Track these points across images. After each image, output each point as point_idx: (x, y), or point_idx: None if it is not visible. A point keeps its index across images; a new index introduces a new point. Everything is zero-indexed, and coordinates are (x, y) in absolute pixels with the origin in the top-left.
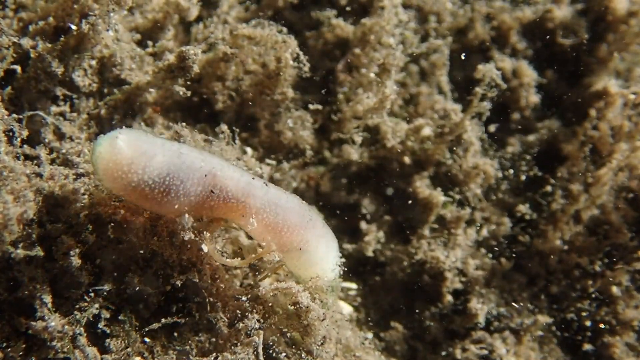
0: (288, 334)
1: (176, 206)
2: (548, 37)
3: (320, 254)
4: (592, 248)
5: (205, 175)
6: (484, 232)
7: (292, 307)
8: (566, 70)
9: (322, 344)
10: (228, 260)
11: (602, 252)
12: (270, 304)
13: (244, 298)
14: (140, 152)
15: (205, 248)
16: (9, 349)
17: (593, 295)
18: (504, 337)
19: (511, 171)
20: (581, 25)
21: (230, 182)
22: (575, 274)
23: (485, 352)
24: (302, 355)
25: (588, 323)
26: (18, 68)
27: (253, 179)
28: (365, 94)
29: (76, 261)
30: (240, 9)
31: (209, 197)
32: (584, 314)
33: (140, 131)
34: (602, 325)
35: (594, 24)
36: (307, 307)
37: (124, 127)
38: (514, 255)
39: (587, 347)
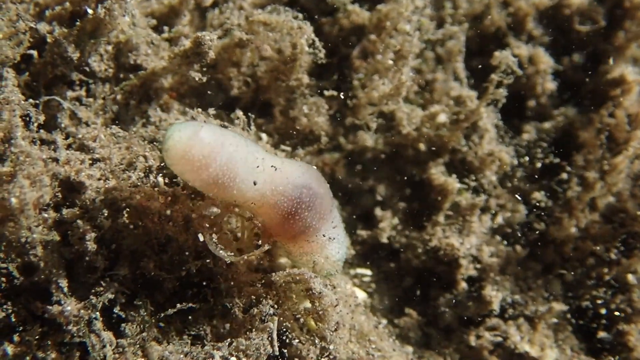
0: (301, 320)
1: (234, 192)
2: (565, 23)
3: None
4: (607, 236)
5: (257, 167)
6: (499, 219)
7: (305, 294)
8: (583, 57)
9: (335, 329)
10: (222, 252)
11: (617, 239)
12: (284, 290)
13: (258, 284)
14: (216, 140)
15: (201, 237)
16: (26, 333)
17: (608, 283)
18: (519, 324)
19: (527, 158)
20: (598, 12)
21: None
22: (591, 262)
23: (499, 339)
24: (316, 341)
25: (603, 311)
26: (35, 53)
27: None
28: (381, 80)
29: (92, 246)
30: None
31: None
32: (599, 301)
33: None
34: (617, 313)
35: (611, 10)
36: (320, 292)
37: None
38: (529, 242)
39: (602, 334)
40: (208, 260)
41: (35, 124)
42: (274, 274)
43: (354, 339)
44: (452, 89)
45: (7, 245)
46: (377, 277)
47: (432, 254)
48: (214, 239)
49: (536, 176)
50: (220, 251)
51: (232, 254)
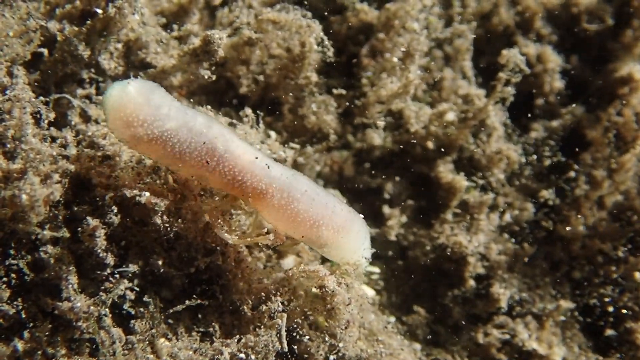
0: (311, 317)
1: (180, 165)
2: (573, 22)
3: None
4: (615, 234)
5: (204, 143)
6: (507, 217)
7: (318, 290)
8: (591, 55)
9: (345, 327)
10: (226, 235)
11: (625, 238)
12: (294, 287)
13: (267, 280)
14: (147, 100)
15: (207, 217)
16: (36, 329)
17: (616, 281)
18: (526, 322)
19: (535, 156)
20: (606, 11)
21: (231, 157)
22: (599, 260)
23: (507, 336)
24: (326, 338)
25: (611, 309)
26: (45, 51)
27: (266, 164)
28: (389, 78)
29: (101, 243)
30: None
31: (204, 167)
32: (606, 299)
33: (152, 83)
34: (624, 311)
35: (619, 9)
36: (333, 291)
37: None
38: (537, 240)
39: (610, 332)
40: (217, 257)
41: (46, 122)
42: (288, 269)
43: (363, 337)
44: (460, 87)
45: (18, 242)
46: (385, 274)
47: (440, 252)
48: (219, 221)
49: (544, 174)
50: (225, 234)
51: (237, 237)
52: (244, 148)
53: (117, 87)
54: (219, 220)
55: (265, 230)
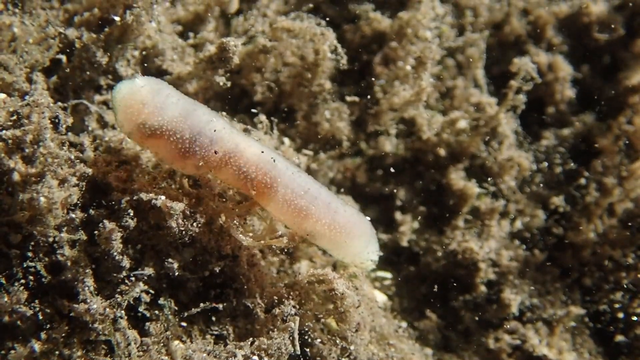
0: (322, 320)
1: (185, 161)
2: (584, 32)
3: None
4: (625, 241)
5: (211, 133)
6: (518, 224)
7: (328, 294)
8: (601, 65)
9: (356, 330)
10: (241, 236)
11: (635, 245)
12: (306, 291)
13: (280, 284)
14: (155, 90)
15: (223, 217)
16: (52, 331)
17: (626, 288)
18: (537, 327)
19: (545, 164)
20: (617, 21)
21: (237, 150)
22: (609, 267)
23: (518, 342)
24: (337, 341)
25: (621, 315)
26: (63, 58)
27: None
28: (402, 86)
29: (118, 245)
30: (279, 2)
31: (210, 161)
32: (616, 305)
33: (158, 79)
34: (634, 318)
35: (629, 19)
36: (343, 294)
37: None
38: (547, 247)
39: (620, 338)
40: (230, 261)
41: (64, 127)
42: (297, 274)
43: (374, 341)
44: (472, 95)
45: (36, 244)
46: (397, 280)
47: (451, 258)
48: (235, 222)
49: (555, 181)
50: (240, 235)
51: (251, 240)
52: (249, 142)
53: (126, 81)
54: (235, 222)
55: (279, 233)
